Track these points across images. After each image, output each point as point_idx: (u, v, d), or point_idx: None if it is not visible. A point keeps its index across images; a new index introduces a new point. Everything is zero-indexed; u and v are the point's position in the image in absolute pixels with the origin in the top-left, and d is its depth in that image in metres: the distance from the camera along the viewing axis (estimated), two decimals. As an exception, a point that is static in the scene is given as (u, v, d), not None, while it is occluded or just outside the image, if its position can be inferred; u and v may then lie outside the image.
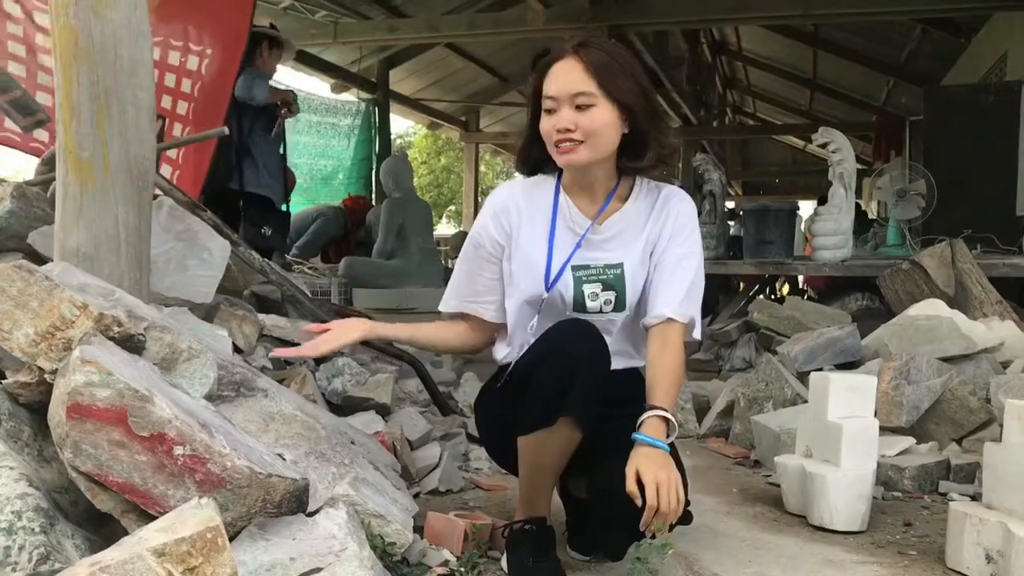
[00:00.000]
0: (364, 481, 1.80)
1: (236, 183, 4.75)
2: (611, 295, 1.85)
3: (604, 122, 1.76)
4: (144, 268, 2.02)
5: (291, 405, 1.93)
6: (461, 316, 1.98)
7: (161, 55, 4.12)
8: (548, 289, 1.84)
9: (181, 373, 1.64)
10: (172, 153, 4.16)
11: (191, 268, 2.55)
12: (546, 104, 1.78)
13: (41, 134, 3.88)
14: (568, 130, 1.75)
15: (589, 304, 1.85)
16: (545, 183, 1.93)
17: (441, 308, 2.00)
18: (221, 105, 4.19)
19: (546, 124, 1.79)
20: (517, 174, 2.06)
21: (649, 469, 1.57)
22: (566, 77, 1.76)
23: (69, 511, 1.38)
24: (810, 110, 14.37)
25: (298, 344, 1.90)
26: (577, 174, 1.86)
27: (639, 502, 1.55)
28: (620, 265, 1.85)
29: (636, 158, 1.84)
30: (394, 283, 5.75)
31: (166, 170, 4.00)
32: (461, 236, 8.54)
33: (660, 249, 1.86)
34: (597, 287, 1.85)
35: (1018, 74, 7.01)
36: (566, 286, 1.84)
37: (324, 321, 2.33)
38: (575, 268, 1.85)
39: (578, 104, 1.75)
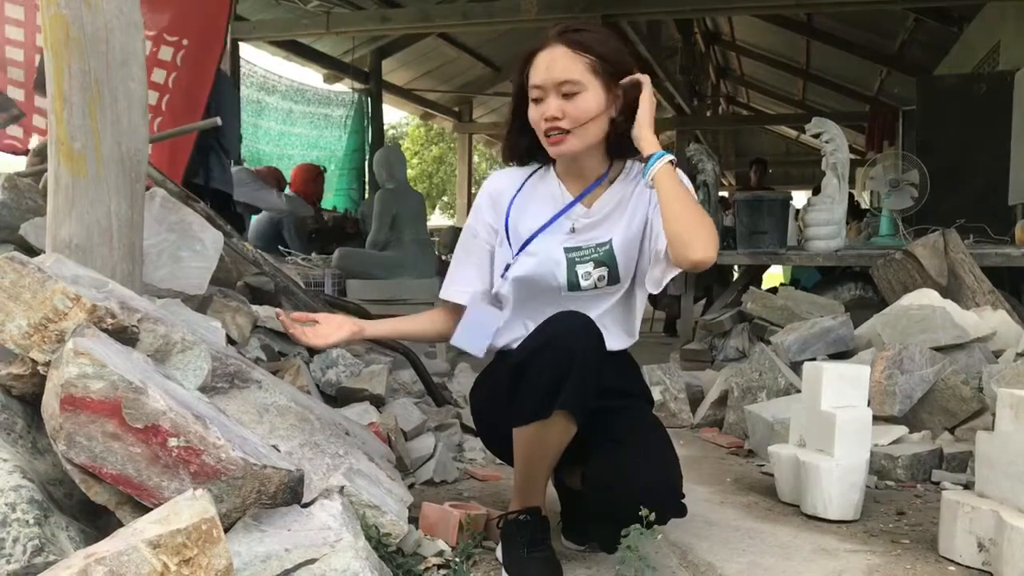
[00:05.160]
0: (359, 472, 1.80)
1: (202, 178, 4.48)
2: (603, 271, 1.86)
3: (590, 109, 1.77)
4: (137, 259, 2.01)
5: (285, 396, 1.93)
6: (453, 304, 1.98)
7: None
8: (515, 255, 1.86)
9: (175, 365, 1.63)
10: None
11: (184, 259, 2.53)
12: (533, 93, 1.79)
13: (15, 130, 3.76)
14: (556, 118, 1.76)
15: (583, 283, 1.86)
16: (544, 171, 1.94)
17: (440, 296, 2.01)
18: (200, 97, 4.11)
19: (534, 114, 1.80)
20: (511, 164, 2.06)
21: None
22: (551, 65, 1.76)
23: (63, 503, 1.38)
24: (803, 100, 14.37)
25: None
26: (569, 162, 1.87)
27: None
28: (608, 241, 1.87)
29: (625, 144, 1.85)
30: (387, 274, 5.73)
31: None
32: (453, 231, 8.52)
33: (650, 212, 1.85)
34: (589, 266, 1.86)
35: (1011, 64, 7.00)
36: (559, 266, 1.85)
37: (316, 312, 2.32)
38: (568, 251, 1.86)
39: (564, 92, 1.75)
